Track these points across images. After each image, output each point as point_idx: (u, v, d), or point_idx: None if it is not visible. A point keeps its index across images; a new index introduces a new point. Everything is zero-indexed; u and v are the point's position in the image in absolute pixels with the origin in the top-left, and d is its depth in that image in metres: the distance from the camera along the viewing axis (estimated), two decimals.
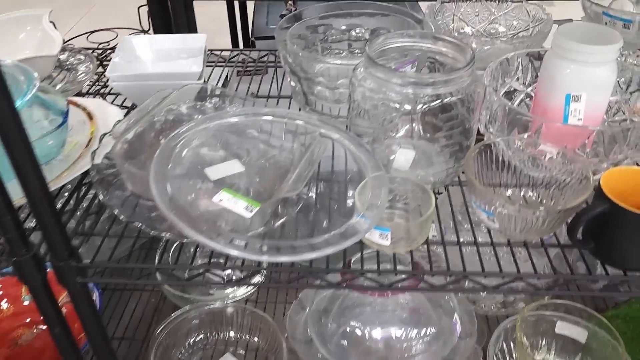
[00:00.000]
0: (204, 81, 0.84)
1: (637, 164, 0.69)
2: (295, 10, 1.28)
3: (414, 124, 0.66)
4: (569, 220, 0.57)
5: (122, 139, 0.66)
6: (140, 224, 0.61)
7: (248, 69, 1.02)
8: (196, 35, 0.87)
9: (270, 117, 0.70)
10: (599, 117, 0.69)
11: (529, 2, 0.89)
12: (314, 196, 0.65)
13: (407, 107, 0.61)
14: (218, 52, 1.00)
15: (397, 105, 0.61)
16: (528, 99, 0.81)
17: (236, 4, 1.57)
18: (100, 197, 0.62)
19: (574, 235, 0.56)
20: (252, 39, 1.31)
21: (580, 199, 0.55)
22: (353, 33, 0.93)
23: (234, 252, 0.51)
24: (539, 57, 0.76)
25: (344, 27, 0.94)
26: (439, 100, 0.61)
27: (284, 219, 0.60)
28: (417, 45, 0.69)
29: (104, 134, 0.66)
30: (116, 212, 0.62)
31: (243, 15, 1.60)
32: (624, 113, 0.77)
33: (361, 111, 0.65)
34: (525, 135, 0.65)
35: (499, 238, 0.62)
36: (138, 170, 0.62)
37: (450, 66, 0.68)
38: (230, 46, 1.57)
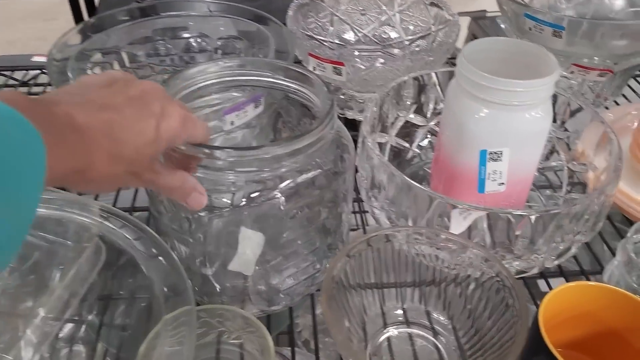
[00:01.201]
0: None
1: (587, 278, 0.48)
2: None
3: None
4: None
5: None
6: None
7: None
8: None
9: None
10: (528, 178, 0.47)
11: None
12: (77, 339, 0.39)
13: (226, 200, 0.36)
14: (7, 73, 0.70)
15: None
16: (434, 136, 0.58)
17: None
18: None
19: None
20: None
21: None
22: (194, 43, 0.67)
23: None
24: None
25: (186, 35, 0.68)
26: (284, 185, 0.37)
27: None
28: (257, 79, 0.43)
29: None
30: None
31: (91, 8, 1.27)
32: (559, 154, 0.56)
33: (156, 201, 0.39)
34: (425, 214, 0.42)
35: None
36: None
37: (314, 108, 0.44)
38: None
